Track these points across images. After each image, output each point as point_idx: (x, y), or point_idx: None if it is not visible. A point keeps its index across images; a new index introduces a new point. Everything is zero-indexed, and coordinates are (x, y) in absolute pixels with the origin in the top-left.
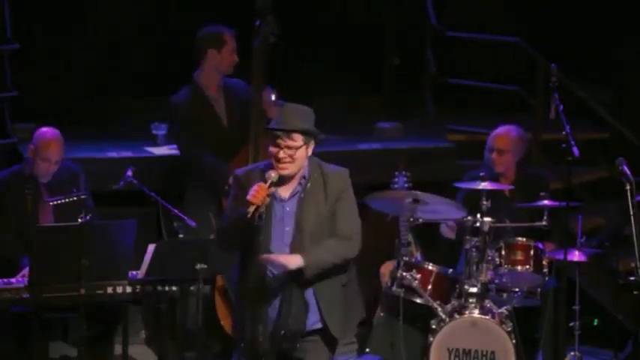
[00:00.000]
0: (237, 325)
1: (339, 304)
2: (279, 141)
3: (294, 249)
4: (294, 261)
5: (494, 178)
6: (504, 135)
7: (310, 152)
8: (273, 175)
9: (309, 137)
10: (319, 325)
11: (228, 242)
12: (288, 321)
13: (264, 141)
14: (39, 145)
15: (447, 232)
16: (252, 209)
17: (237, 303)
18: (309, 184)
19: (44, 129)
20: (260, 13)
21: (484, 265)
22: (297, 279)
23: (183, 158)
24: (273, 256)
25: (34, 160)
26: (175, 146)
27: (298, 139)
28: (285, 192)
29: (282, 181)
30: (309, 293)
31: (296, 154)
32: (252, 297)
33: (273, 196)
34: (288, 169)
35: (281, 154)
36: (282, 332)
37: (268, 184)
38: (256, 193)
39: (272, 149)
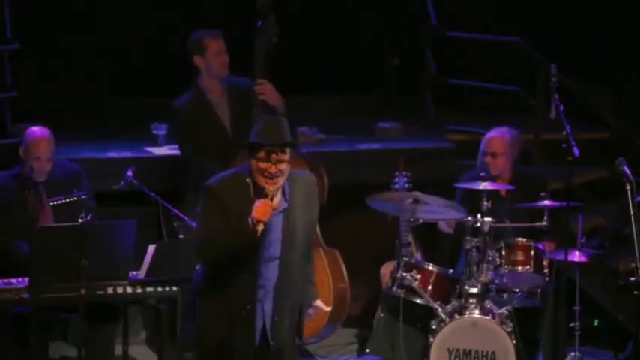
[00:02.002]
0: (207, 339)
1: (303, 305)
2: (273, 156)
3: (284, 263)
4: None
5: (490, 180)
6: (498, 138)
7: None
8: (271, 189)
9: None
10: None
11: (223, 257)
12: (279, 334)
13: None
14: (29, 145)
15: (445, 226)
16: (260, 227)
17: (212, 314)
18: (291, 197)
19: (33, 128)
20: (261, 13)
21: (484, 265)
22: (291, 290)
23: (182, 159)
24: None
25: (27, 161)
26: (176, 146)
27: (288, 153)
28: None
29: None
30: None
31: (286, 167)
32: (238, 310)
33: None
34: (278, 184)
35: (273, 170)
36: (272, 345)
37: (270, 198)
38: (263, 210)
39: (262, 165)
